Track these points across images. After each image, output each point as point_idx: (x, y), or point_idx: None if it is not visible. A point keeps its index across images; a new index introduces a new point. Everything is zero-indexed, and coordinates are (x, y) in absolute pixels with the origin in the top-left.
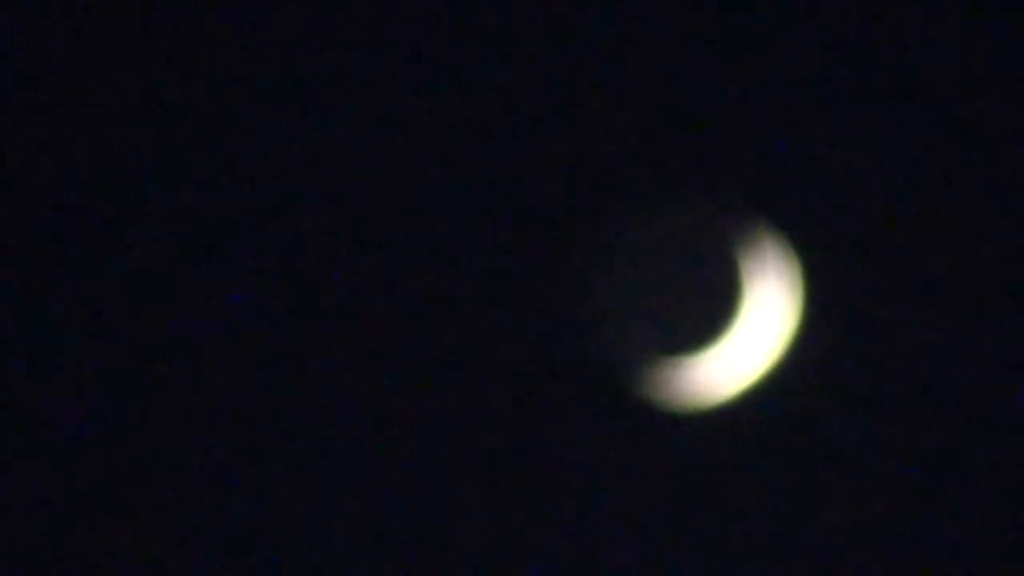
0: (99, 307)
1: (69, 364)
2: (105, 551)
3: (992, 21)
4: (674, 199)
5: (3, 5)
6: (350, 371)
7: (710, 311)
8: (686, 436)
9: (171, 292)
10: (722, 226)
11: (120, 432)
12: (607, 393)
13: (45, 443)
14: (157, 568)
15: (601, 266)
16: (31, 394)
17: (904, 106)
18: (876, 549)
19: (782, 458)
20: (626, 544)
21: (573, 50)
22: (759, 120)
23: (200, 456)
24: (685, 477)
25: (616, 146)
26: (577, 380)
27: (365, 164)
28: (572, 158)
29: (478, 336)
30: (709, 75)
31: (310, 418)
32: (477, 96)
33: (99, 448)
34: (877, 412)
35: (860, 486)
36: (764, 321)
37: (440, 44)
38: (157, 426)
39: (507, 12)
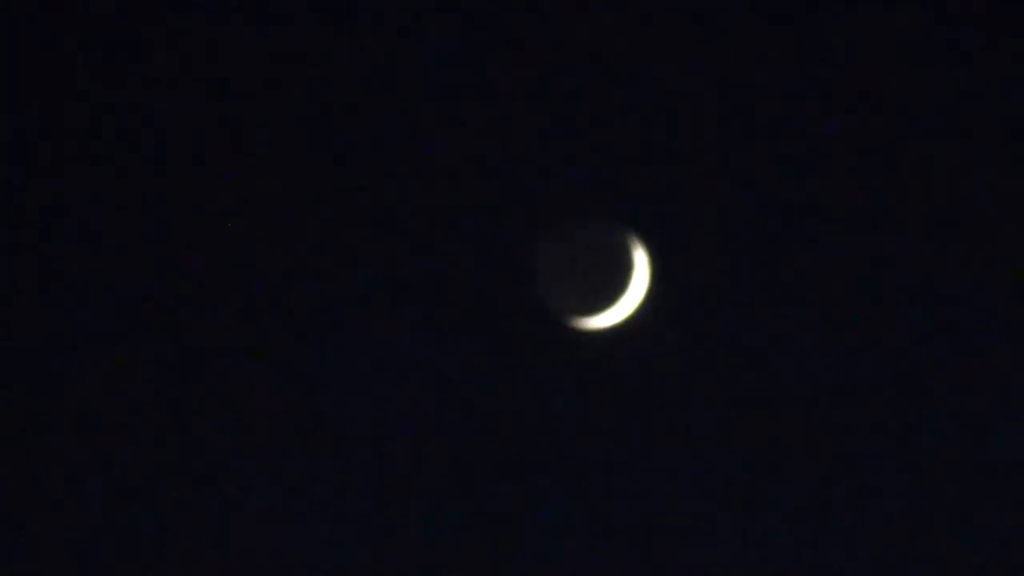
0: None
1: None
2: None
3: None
4: (588, 218)
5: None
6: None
7: (609, 285)
8: (600, 354)
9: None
10: (616, 237)
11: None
12: (548, 329)
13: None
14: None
15: (547, 258)
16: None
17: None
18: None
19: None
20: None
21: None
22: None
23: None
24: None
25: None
26: (529, 323)
27: (332, 162)
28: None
29: (459, 304)
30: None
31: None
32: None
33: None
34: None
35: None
36: (638, 291)
37: (408, 54)
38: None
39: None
